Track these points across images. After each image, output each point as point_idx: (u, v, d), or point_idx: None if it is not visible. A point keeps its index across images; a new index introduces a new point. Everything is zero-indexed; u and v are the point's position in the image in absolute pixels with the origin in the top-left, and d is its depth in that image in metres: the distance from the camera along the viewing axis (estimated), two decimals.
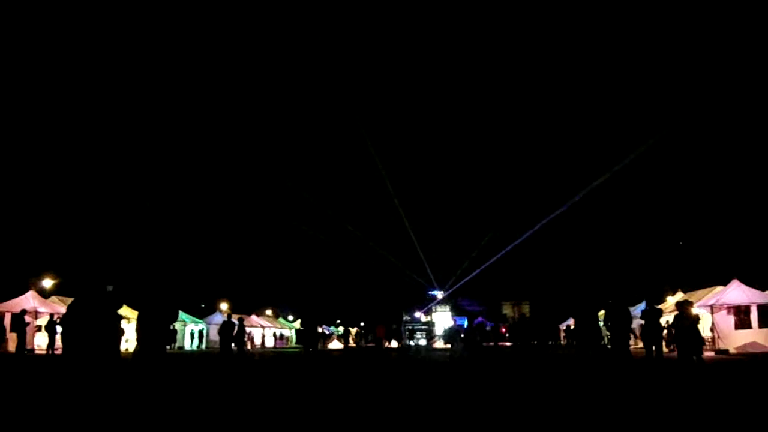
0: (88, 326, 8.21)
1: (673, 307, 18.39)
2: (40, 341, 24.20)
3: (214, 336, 26.12)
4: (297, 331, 23.57)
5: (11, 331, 23.61)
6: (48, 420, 5.56)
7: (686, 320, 12.20)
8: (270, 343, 46.48)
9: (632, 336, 20.65)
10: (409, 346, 40.37)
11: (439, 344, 42.55)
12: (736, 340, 20.97)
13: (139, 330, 8.99)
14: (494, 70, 62.36)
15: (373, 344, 34.90)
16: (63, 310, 19.08)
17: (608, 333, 12.48)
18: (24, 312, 20.19)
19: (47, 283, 28.01)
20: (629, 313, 13.86)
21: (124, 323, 19.53)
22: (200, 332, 36.96)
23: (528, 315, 56.81)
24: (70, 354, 9.97)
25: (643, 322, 14.14)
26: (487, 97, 73.34)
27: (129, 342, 25.25)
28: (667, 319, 20.62)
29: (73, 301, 11.29)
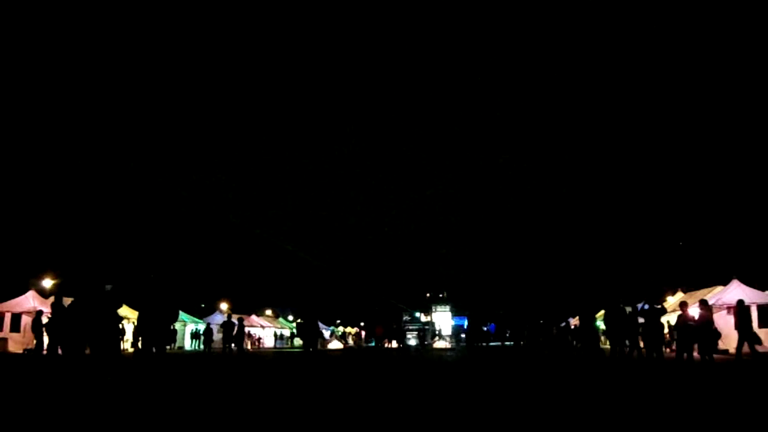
0: (71, 324, 8.24)
1: (676, 306, 18.39)
2: None
3: (216, 336, 26.57)
4: (297, 324, 23.92)
5: (11, 331, 23.65)
6: (47, 419, 5.57)
7: (694, 320, 12.18)
8: (270, 343, 46.52)
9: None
10: (409, 346, 40.39)
11: (440, 344, 42.57)
12: (736, 340, 20.96)
13: (139, 330, 9.00)
14: (491, 67, 62.27)
15: (373, 344, 34.95)
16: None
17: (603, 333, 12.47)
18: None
19: (47, 283, 28.02)
20: (626, 314, 13.90)
21: (124, 323, 19.55)
22: (199, 332, 37.06)
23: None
24: (52, 350, 10.02)
25: (642, 321, 14.15)
26: (487, 96, 73.18)
27: (128, 342, 25.30)
28: (668, 319, 20.64)
29: (54, 301, 11.32)
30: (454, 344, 41.37)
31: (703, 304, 12.53)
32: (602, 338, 25.14)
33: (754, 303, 21.32)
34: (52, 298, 25.54)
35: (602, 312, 30.29)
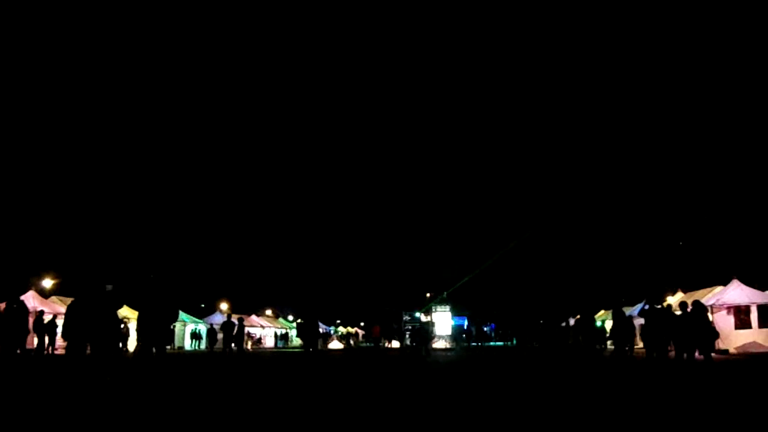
0: (71, 324, 8.25)
1: (676, 306, 18.34)
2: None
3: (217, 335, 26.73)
4: (298, 324, 24.14)
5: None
6: (48, 419, 5.56)
7: (688, 319, 12.15)
8: (270, 343, 46.44)
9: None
10: (409, 346, 40.28)
11: (439, 344, 42.42)
12: (736, 340, 20.95)
13: (139, 330, 9.00)
14: (490, 68, 62.46)
15: (372, 344, 34.94)
16: (63, 309, 19.13)
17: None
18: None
19: (47, 283, 27.97)
20: (624, 315, 13.88)
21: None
22: (199, 332, 37.01)
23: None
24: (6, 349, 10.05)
25: (643, 321, 14.12)
26: (484, 97, 73.31)
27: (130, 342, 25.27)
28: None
29: (10, 304, 11.29)
30: (454, 345, 41.24)
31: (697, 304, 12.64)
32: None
33: (754, 303, 21.27)
34: (53, 298, 25.60)
35: (602, 312, 30.21)
